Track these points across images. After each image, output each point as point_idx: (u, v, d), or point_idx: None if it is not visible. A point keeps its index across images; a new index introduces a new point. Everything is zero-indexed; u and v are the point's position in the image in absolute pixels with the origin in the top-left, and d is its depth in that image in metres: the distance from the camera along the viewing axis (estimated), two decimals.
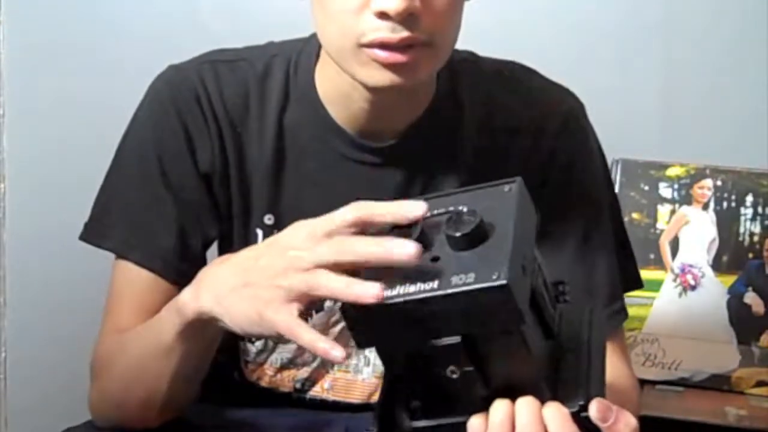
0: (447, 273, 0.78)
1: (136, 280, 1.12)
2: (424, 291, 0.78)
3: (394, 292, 0.78)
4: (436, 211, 0.83)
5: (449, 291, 0.77)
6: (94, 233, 1.15)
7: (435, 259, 0.80)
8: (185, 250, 1.12)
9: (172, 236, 1.11)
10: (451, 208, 0.82)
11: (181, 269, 1.11)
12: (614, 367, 1.11)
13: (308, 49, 1.12)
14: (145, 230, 1.12)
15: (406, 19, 0.95)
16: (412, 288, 0.78)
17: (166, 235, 1.11)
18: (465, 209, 0.81)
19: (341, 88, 1.07)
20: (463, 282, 0.77)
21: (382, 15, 0.95)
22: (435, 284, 0.78)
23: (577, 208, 1.13)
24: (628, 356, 1.17)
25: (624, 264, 1.17)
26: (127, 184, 1.13)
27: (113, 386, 1.07)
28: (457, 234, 0.79)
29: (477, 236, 0.79)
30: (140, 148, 1.13)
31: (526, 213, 0.82)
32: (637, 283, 1.21)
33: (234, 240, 1.13)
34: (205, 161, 1.11)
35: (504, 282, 0.75)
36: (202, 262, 1.14)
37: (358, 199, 0.84)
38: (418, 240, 0.80)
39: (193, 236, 1.12)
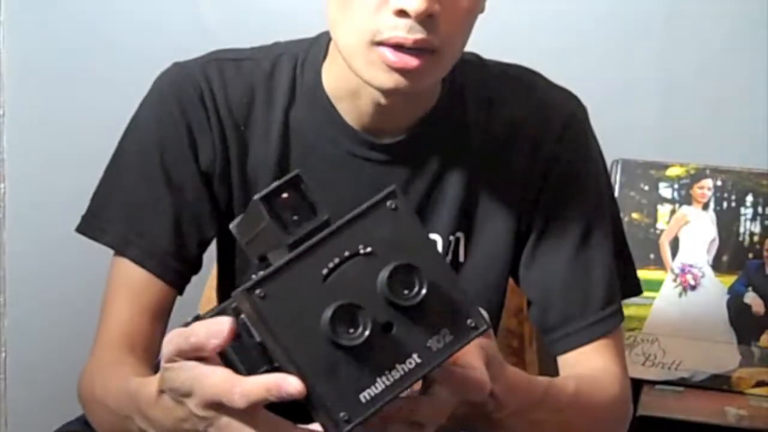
0: (418, 339, 0.72)
1: (132, 277, 1.12)
2: (410, 372, 0.71)
3: (376, 391, 0.71)
4: (332, 263, 0.71)
5: (438, 360, 0.72)
6: (91, 226, 1.14)
7: (388, 326, 0.72)
8: (181, 250, 1.12)
9: (169, 235, 1.11)
10: (346, 253, 0.72)
11: (175, 269, 1.12)
12: (604, 367, 1.12)
13: (315, 47, 1.13)
14: (142, 228, 1.11)
15: (424, 20, 0.95)
16: (393, 376, 0.71)
17: (162, 233, 1.11)
18: (368, 250, 0.72)
19: (349, 85, 1.07)
20: (443, 344, 0.72)
21: (401, 13, 0.95)
22: (416, 358, 0.72)
23: (576, 210, 1.13)
24: (621, 357, 1.16)
25: (623, 269, 1.17)
26: (127, 179, 1.13)
27: (101, 421, 1.05)
28: (409, 304, 0.71)
29: (428, 298, 0.72)
30: (142, 144, 1.13)
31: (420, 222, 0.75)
32: (636, 289, 1.21)
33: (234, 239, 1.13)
34: (207, 160, 1.12)
35: (485, 327, 0.73)
36: (198, 262, 1.15)
37: (363, 197, 0.81)
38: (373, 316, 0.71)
39: (189, 236, 1.12)
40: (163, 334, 1.11)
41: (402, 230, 0.72)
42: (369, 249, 0.71)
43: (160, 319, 1.12)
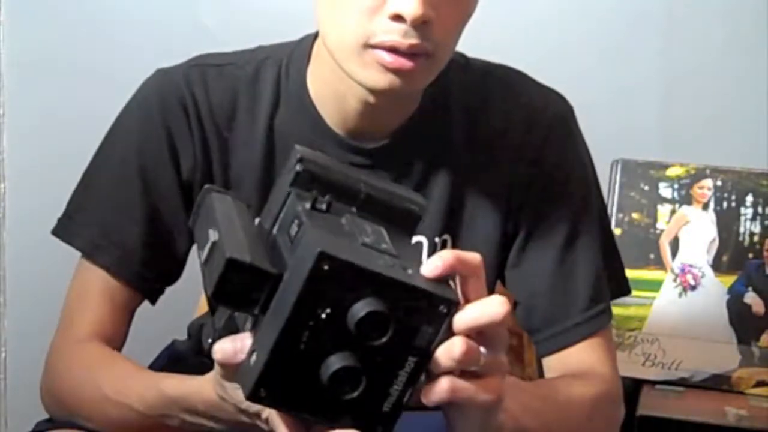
0: (405, 348, 0.75)
1: (99, 282, 1.12)
2: (412, 370, 0.75)
3: (393, 398, 0.76)
4: (304, 337, 0.73)
5: (433, 346, 0.75)
6: (65, 230, 1.14)
7: (375, 355, 0.74)
8: (152, 259, 1.11)
9: (141, 244, 1.10)
10: (311, 323, 0.73)
11: (146, 277, 1.11)
12: (591, 367, 1.11)
13: (300, 50, 1.11)
14: (115, 235, 1.10)
15: (419, 26, 0.95)
16: (401, 379, 0.75)
17: (134, 242, 1.10)
18: (327, 312, 0.73)
19: (335, 88, 1.06)
20: (429, 335, 0.75)
21: (397, 18, 0.95)
22: (411, 359, 0.75)
23: (561, 211, 1.12)
24: (610, 357, 1.15)
25: (611, 270, 1.17)
26: (105, 185, 1.13)
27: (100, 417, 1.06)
28: (384, 341, 0.73)
29: (397, 325, 0.74)
30: (122, 151, 1.12)
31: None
32: (625, 289, 1.20)
33: None
34: (188, 167, 1.10)
35: (454, 301, 0.76)
36: (174, 273, 1.14)
37: None
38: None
39: (163, 246, 1.11)
40: (128, 326, 1.13)
41: (344, 281, 0.72)
42: (328, 311, 0.72)
43: (128, 318, 1.13)
